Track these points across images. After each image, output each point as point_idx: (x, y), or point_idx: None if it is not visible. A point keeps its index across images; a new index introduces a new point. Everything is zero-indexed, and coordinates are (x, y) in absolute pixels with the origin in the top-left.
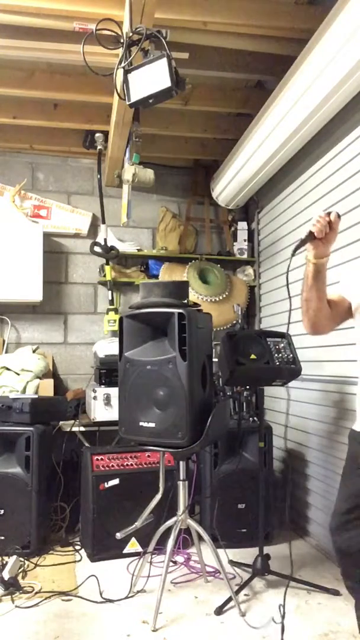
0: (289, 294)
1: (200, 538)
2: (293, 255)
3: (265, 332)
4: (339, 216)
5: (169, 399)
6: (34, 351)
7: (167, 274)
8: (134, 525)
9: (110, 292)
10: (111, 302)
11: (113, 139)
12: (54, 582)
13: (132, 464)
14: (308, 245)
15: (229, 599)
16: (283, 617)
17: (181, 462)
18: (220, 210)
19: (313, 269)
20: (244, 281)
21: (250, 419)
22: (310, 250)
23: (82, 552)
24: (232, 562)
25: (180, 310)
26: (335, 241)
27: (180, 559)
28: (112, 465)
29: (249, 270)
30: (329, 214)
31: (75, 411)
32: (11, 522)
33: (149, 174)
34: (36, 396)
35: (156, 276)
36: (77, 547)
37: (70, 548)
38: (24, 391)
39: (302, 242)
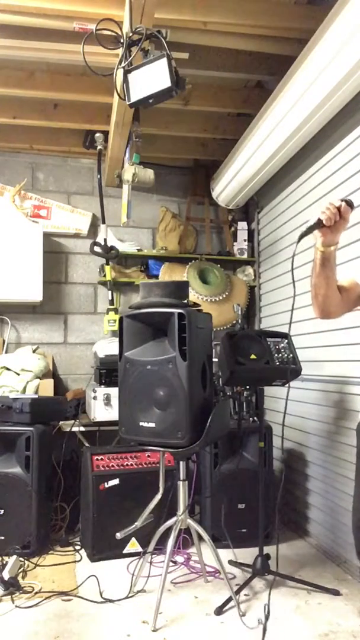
0: (293, 280)
1: (200, 538)
2: (299, 241)
3: (265, 332)
4: (351, 205)
5: (169, 399)
6: (34, 351)
7: (167, 274)
8: (134, 525)
9: (110, 292)
10: (111, 302)
11: (113, 139)
12: (54, 582)
13: (132, 464)
14: (316, 232)
15: (229, 599)
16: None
17: (181, 462)
18: (220, 210)
19: (321, 257)
20: (244, 281)
21: (250, 419)
22: (318, 238)
23: (82, 552)
24: (232, 562)
25: (180, 310)
26: (345, 229)
27: (180, 559)
28: (112, 465)
29: (249, 270)
30: (343, 201)
31: (75, 411)
32: (11, 522)
33: (149, 174)
34: (36, 396)
35: (156, 276)
36: (77, 547)
37: (70, 548)
38: (24, 391)
39: (310, 229)
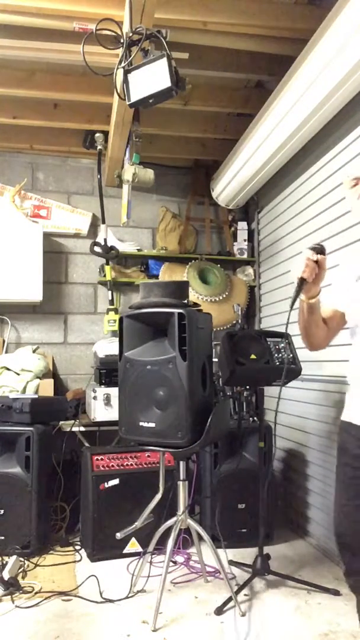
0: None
1: (200, 538)
2: (292, 307)
3: (265, 332)
4: (323, 252)
5: (169, 399)
6: (34, 351)
7: (167, 274)
8: (134, 525)
9: (110, 292)
10: (111, 302)
11: (113, 139)
12: (54, 582)
13: (132, 464)
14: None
15: (229, 599)
16: None
17: (181, 462)
18: (220, 210)
19: (307, 307)
20: (244, 281)
21: (250, 419)
22: (302, 293)
23: (82, 552)
24: (232, 562)
25: (181, 310)
26: (325, 278)
27: (180, 559)
28: (112, 465)
29: (249, 270)
30: (314, 249)
31: (75, 411)
32: (11, 522)
33: (149, 174)
34: (36, 396)
35: (156, 276)
36: (77, 547)
37: (70, 548)
38: (24, 391)
39: (297, 293)
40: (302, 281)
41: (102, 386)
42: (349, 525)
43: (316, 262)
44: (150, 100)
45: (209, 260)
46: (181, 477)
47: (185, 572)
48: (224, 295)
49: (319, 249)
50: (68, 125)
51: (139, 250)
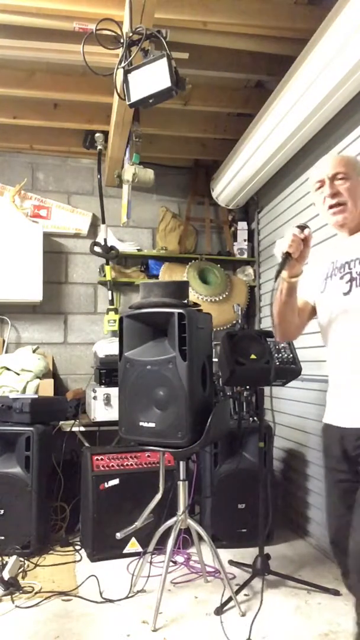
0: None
1: (200, 538)
2: (277, 279)
3: (265, 332)
4: (307, 230)
5: (169, 399)
6: (34, 351)
7: (167, 274)
8: (134, 525)
9: (110, 292)
10: (111, 302)
11: (113, 139)
12: (54, 582)
13: (132, 464)
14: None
15: (229, 599)
16: None
17: (181, 462)
18: (220, 210)
19: (287, 287)
20: (244, 281)
21: (250, 419)
22: (285, 270)
23: (82, 552)
24: (232, 562)
25: (181, 311)
26: (308, 256)
27: (180, 559)
28: (112, 465)
29: (249, 270)
30: (302, 228)
31: (75, 411)
32: (11, 522)
33: (149, 174)
34: (36, 396)
35: (156, 276)
36: (77, 547)
37: (70, 548)
38: (24, 391)
39: (282, 266)
40: (287, 256)
41: (102, 386)
42: (338, 529)
43: (303, 240)
44: (150, 100)
45: (209, 260)
46: (181, 477)
47: (185, 572)
48: (224, 295)
49: (306, 227)
50: (68, 125)
51: (139, 250)
